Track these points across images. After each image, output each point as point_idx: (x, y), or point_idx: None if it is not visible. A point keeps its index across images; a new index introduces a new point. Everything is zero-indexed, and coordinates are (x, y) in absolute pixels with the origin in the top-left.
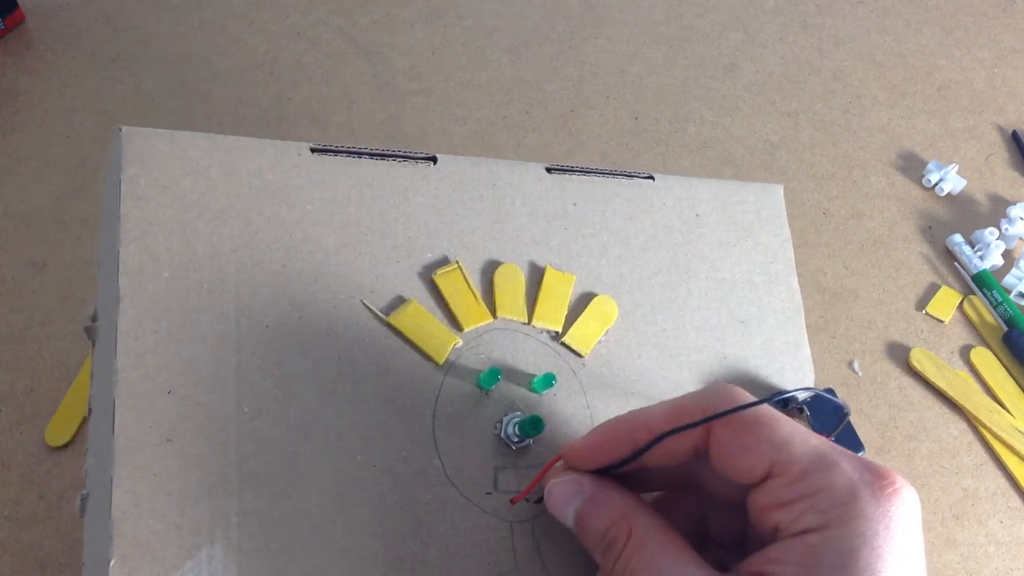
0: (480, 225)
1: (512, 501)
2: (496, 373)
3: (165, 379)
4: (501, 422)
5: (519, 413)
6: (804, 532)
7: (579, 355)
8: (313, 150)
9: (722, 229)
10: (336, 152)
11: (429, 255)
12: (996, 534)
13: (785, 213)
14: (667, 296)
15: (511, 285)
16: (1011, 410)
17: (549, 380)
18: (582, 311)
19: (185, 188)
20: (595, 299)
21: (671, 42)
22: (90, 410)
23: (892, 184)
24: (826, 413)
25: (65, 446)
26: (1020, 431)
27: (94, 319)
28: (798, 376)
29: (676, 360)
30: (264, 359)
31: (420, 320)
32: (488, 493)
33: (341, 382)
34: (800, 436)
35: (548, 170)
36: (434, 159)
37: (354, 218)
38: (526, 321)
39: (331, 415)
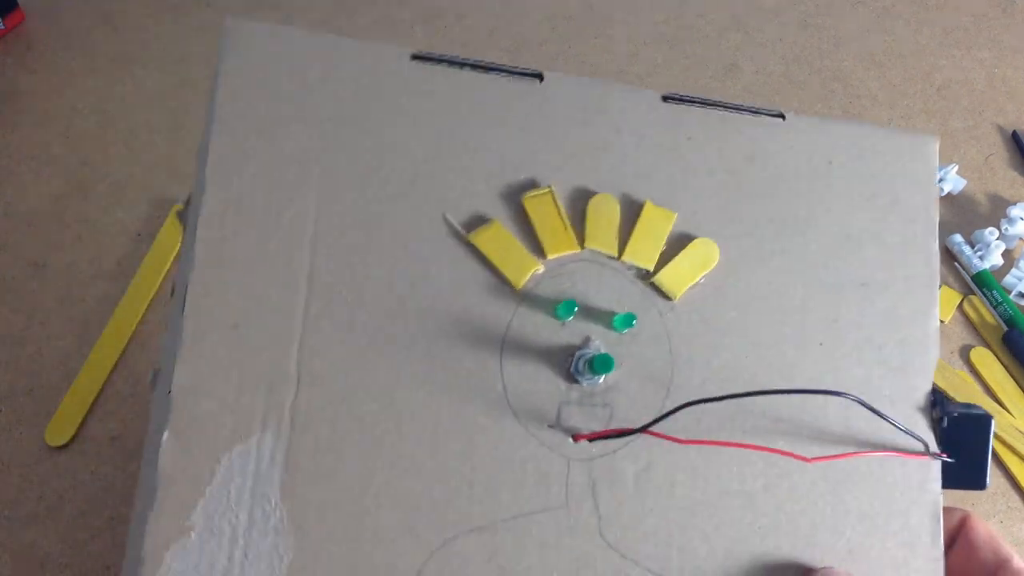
0: (580, 151)
1: (574, 439)
2: (572, 305)
3: (239, 269)
4: (573, 356)
5: (593, 350)
6: None
7: (668, 298)
8: (414, 56)
9: (857, 181)
10: (438, 60)
11: (522, 176)
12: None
13: (936, 171)
14: (779, 247)
15: (605, 216)
16: (1011, 410)
17: (630, 320)
18: (679, 251)
19: (281, 85)
20: (694, 241)
21: (671, 42)
22: (173, 290)
23: None
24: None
25: (65, 446)
26: (1020, 431)
27: (188, 203)
28: (920, 350)
29: (776, 317)
30: (338, 262)
31: (502, 241)
32: (549, 426)
33: (412, 294)
34: None
35: (664, 99)
36: (540, 76)
37: (448, 130)
38: (615, 255)
39: (398, 325)
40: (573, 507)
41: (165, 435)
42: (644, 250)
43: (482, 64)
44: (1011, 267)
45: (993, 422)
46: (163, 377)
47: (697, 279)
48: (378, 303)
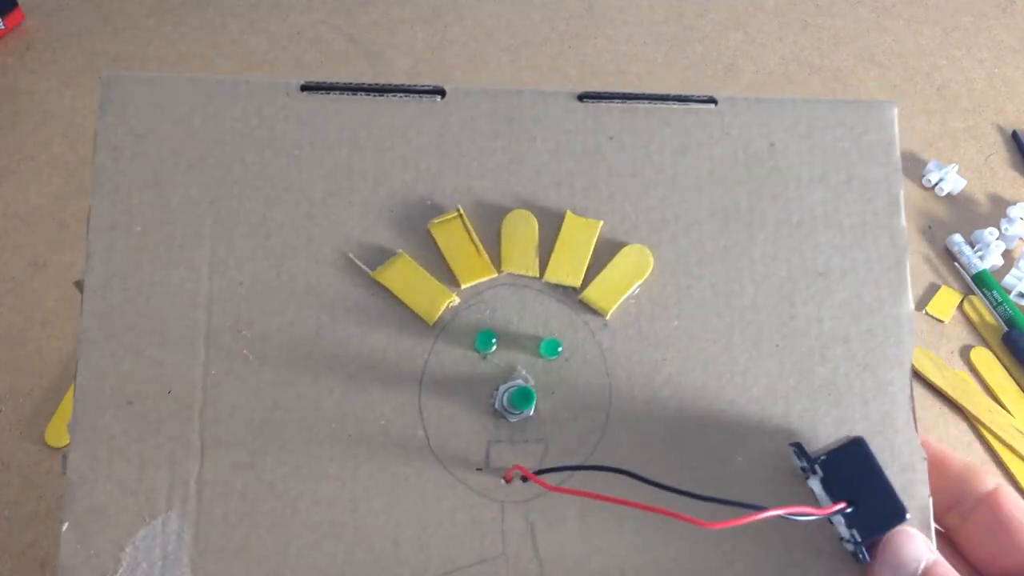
0: (491, 167)
1: (505, 479)
2: (490, 336)
3: (130, 339)
4: (498, 390)
5: (519, 382)
6: None
7: (600, 314)
8: (303, 88)
9: (805, 161)
10: (329, 89)
11: (428, 203)
12: None
13: (897, 139)
14: (721, 244)
15: (521, 234)
16: (1011, 410)
17: (554, 346)
18: (608, 263)
19: (163, 136)
20: (624, 248)
21: (671, 42)
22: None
23: None
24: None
25: (65, 446)
26: (1020, 431)
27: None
28: (892, 340)
29: (725, 321)
30: (236, 319)
31: (410, 275)
32: (478, 470)
33: (319, 344)
34: None
35: (580, 98)
36: (441, 92)
37: (345, 164)
38: (537, 275)
39: (305, 380)
40: (512, 555)
41: (65, 527)
42: (568, 266)
43: (377, 87)
44: (1011, 267)
45: (865, 440)
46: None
47: (630, 290)
48: (282, 356)
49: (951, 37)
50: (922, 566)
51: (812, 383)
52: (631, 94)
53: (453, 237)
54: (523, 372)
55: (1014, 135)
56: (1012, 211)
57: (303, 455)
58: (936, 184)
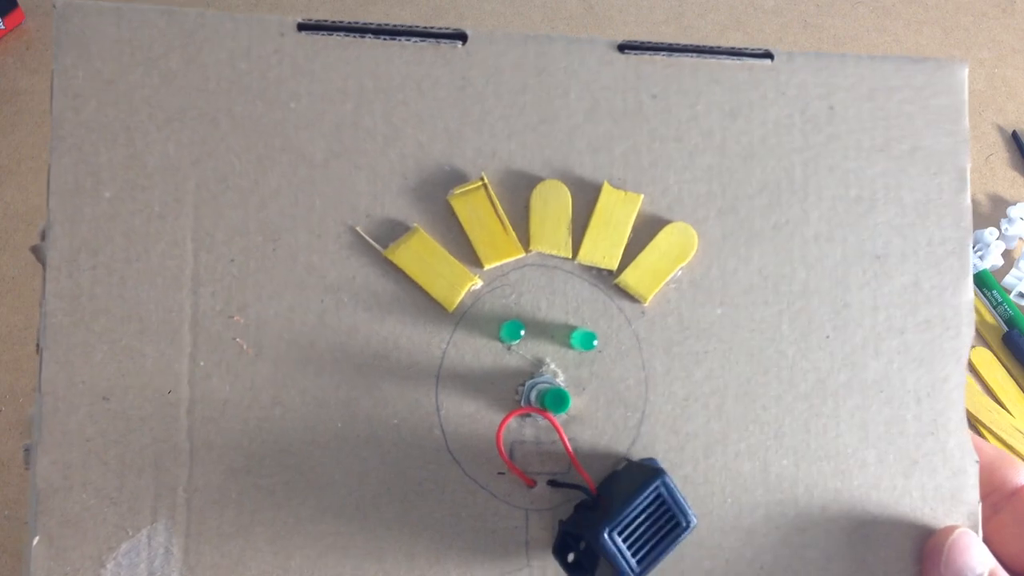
0: (518, 127)
1: (529, 484)
2: (518, 326)
3: (103, 325)
4: (523, 386)
5: (547, 377)
6: None
7: (638, 301)
8: (301, 27)
9: (866, 127)
10: (331, 30)
11: (447, 168)
12: None
13: (967, 105)
14: (772, 221)
15: (553, 208)
16: (1011, 410)
17: (590, 340)
18: (647, 243)
19: (134, 82)
20: (667, 227)
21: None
22: (37, 347)
23: None
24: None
25: None
26: (1020, 431)
27: (43, 237)
28: (951, 333)
29: (773, 309)
30: (227, 302)
31: (427, 254)
32: (500, 473)
33: (322, 332)
34: None
35: (620, 49)
36: (463, 37)
37: (351, 119)
38: (569, 256)
39: (307, 373)
40: (536, 567)
41: (35, 541)
42: (604, 246)
43: (387, 28)
44: (1011, 267)
45: (664, 480)
46: (35, 455)
47: (672, 274)
48: (280, 345)
49: (951, 37)
50: (987, 571)
51: (864, 379)
52: (677, 45)
53: (476, 210)
54: (551, 365)
55: (1014, 135)
56: (1012, 211)
57: (306, 458)
58: None
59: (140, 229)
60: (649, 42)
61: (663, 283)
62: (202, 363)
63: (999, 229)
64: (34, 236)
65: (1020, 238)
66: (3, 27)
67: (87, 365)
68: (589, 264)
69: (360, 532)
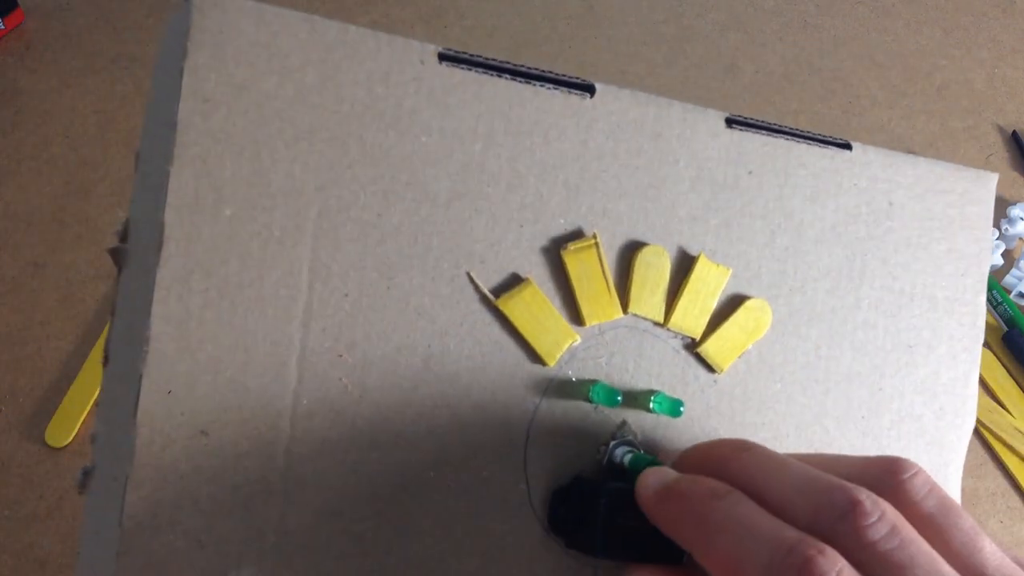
0: (631, 188)
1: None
2: (615, 394)
3: (209, 354)
4: (607, 446)
5: (629, 439)
6: None
7: (713, 371)
8: (442, 57)
9: (916, 225)
10: (471, 64)
11: (562, 221)
12: (996, 534)
13: (991, 213)
14: (831, 305)
15: (654, 273)
16: (1011, 410)
17: (676, 407)
18: (729, 315)
19: (268, 92)
20: (747, 303)
21: (671, 42)
22: (106, 359)
23: None
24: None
25: (65, 446)
26: (1020, 431)
27: (123, 238)
28: (957, 422)
29: (822, 386)
30: (336, 339)
31: (536, 308)
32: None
33: (425, 377)
34: None
35: (728, 123)
36: (591, 89)
37: (478, 160)
38: (661, 322)
39: (407, 419)
40: None
41: None
42: (693, 315)
43: (523, 70)
44: (1011, 267)
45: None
46: (98, 484)
47: (746, 348)
48: (384, 388)
49: (951, 37)
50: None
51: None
52: (775, 126)
53: (586, 267)
54: (630, 426)
55: (1014, 135)
56: (1012, 211)
57: (397, 505)
58: None
59: (257, 253)
60: (752, 119)
61: (738, 356)
62: (305, 401)
63: (999, 229)
64: (34, 236)
65: (1020, 238)
66: (3, 27)
67: (189, 397)
68: (677, 331)
69: None
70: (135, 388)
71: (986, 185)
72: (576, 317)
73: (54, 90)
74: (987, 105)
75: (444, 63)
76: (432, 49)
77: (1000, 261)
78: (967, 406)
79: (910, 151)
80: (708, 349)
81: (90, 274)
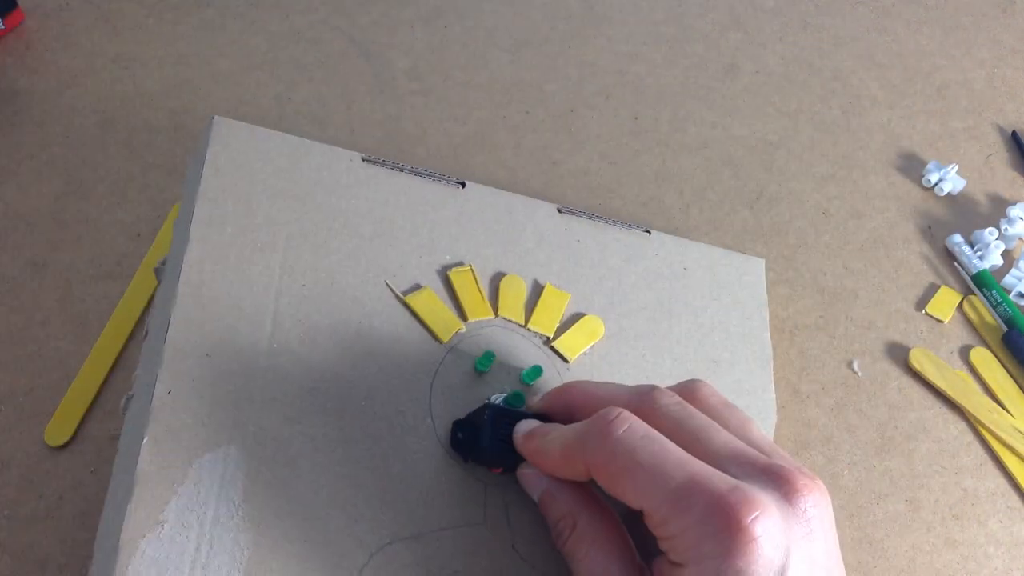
0: (494, 242)
1: (491, 469)
2: (491, 356)
3: (214, 308)
4: (490, 399)
5: (508, 393)
6: (678, 565)
7: (565, 360)
8: (364, 159)
9: (706, 284)
10: (383, 164)
11: (448, 257)
12: (996, 534)
13: (764, 282)
14: (650, 328)
15: (513, 292)
16: (1011, 410)
17: (537, 371)
18: (572, 324)
19: (255, 169)
20: (585, 317)
21: (671, 42)
22: (146, 332)
23: (892, 184)
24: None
25: (65, 446)
26: (1020, 431)
27: (163, 263)
28: (761, 415)
29: (652, 381)
30: (297, 309)
31: (432, 304)
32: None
33: (358, 340)
34: (663, 475)
35: (559, 210)
36: (463, 184)
37: (390, 216)
38: (523, 324)
39: (345, 365)
40: (490, 524)
41: (145, 440)
42: (545, 320)
43: (417, 170)
44: (1011, 267)
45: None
46: (136, 400)
47: (587, 347)
48: (329, 345)
49: (951, 37)
50: (537, 495)
51: None
52: (593, 215)
53: (465, 283)
54: (508, 390)
55: (1014, 135)
56: (1012, 211)
57: (339, 419)
58: (936, 184)
59: (247, 255)
60: (577, 209)
61: (581, 352)
62: (275, 344)
63: (999, 229)
64: (34, 236)
65: (1020, 238)
66: (3, 27)
67: (200, 330)
68: (535, 331)
69: (371, 477)
70: (166, 326)
71: (756, 265)
72: (462, 315)
73: (54, 90)
74: (987, 105)
75: (365, 163)
76: (358, 155)
77: (1000, 261)
78: (768, 405)
79: (910, 152)
80: (560, 344)
81: (90, 274)
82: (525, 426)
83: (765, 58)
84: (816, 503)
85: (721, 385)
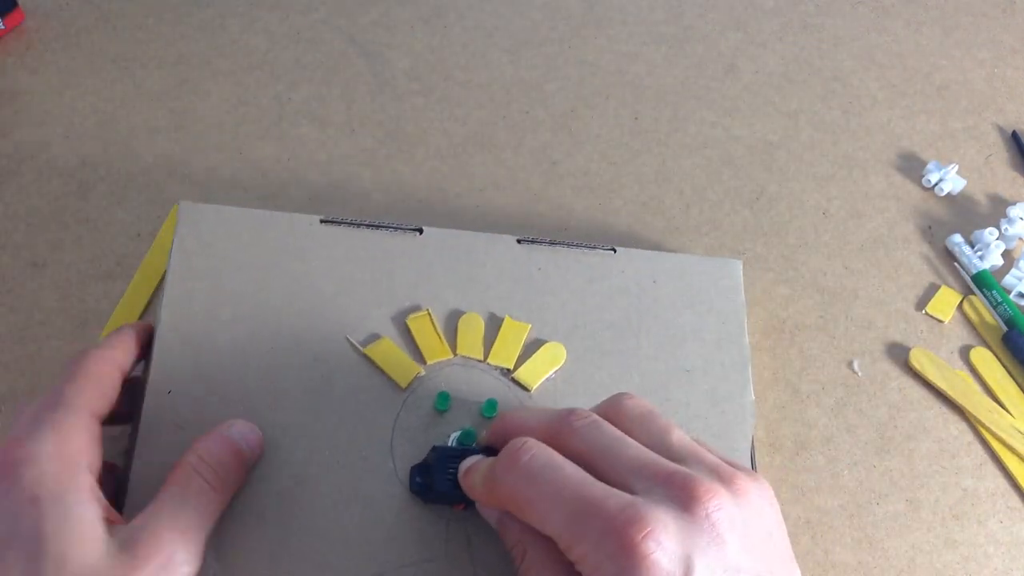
0: (453, 283)
1: (453, 507)
2: (446, 396)
3: (184, 384)
4: (450, 436)
5: (467, 430)
6: None
7: (526, 389)
8: (323, 221)
9: (678, 294)
10: (340, 223)
11: (407, 303)
12: (996, 534)
13: (742, 284)
14: (617, 347)
15: (472, 329)
16: (1011, 410)
17: (492, 404)
18: (533, 353)
19: (221, 246)
20: (545, 344)
21: (671, 42)
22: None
23: (892, 184)
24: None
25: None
26: (1020, 431)
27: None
28: (738, 419)
29: None
30: (265, 374)
31: (390, 353)
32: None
33: (322, 396)
34: (560, 501)
35: (519, 241)
36: (420, 230)
37: (349, 273)
38: (482, 359)
39: (309, 419)
40: (451, 557)
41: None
42: (505, 353)
43: (374, 224)
44: (1011, 267)
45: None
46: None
47: (549, 373)
48: (293, 402)
49: (951, 37)
50: (494, 520)
51: None
52: (555, 240)
53: (422, 328)
54: (468, 426)
55: (1014, 135)
56: (1012, 211)
57: (304, 469)
58: (936, 184)
59: (216, 331)
60: (538, 238)
61: (543, 379)
62: (246, 407)
63: (999, 229)
64: (34, 236)
65: (1020, 238)
66: (3, 27)
67: (172, 405)
68: (495, 364)
69: (332, 522)
70: (140, 403)
71: (733, 268)
72: (421, 359)
73: (54, 90)
74: (987, 105)
75: (324, 224)
76: (317, 218)
77: (1000, 261)
78: (746, 408)
79: (910, 152)
80: (520, 374)
81: (90, 274)
82: (466, 463)
83: (765, 58)
84: (720, 506)
85: (694, 393)
